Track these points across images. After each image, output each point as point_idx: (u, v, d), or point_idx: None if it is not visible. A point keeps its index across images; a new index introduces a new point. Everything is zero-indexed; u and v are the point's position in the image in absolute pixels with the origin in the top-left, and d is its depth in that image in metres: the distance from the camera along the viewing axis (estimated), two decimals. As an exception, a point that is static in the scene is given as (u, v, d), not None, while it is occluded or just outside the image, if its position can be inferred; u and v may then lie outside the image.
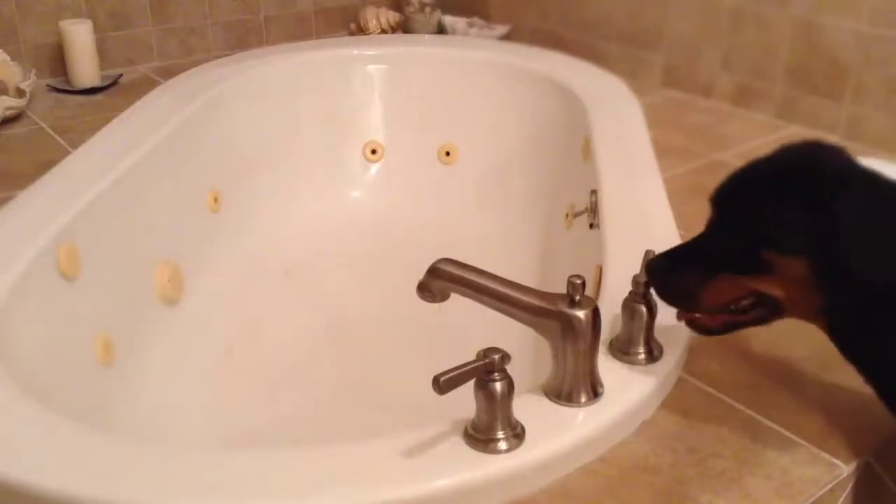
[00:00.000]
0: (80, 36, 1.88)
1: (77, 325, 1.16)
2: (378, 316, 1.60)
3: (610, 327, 0.91)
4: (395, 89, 1.91)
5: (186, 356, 1.40)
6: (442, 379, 0.70)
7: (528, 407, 0.80)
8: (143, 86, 1.86)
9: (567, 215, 1.56)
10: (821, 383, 0.92)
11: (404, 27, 2.27)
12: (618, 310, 0.89)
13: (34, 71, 1.86)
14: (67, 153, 1.48)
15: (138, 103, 1.67)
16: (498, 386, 0.75)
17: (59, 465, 0.75)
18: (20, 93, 1.74)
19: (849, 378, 0.81)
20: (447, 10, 2.29)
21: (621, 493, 0.77)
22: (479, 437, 0.77)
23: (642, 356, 0.88)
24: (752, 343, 0.98)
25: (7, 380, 0.88)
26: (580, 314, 0.78)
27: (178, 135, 1.55)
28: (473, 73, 1.89)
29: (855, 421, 0.86)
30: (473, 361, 0.73)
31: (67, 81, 1.91)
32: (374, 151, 1.91)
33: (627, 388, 0.85)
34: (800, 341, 0.95)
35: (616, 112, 1.62)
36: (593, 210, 1.32)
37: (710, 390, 0.91)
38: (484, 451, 0.76)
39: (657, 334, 0.90)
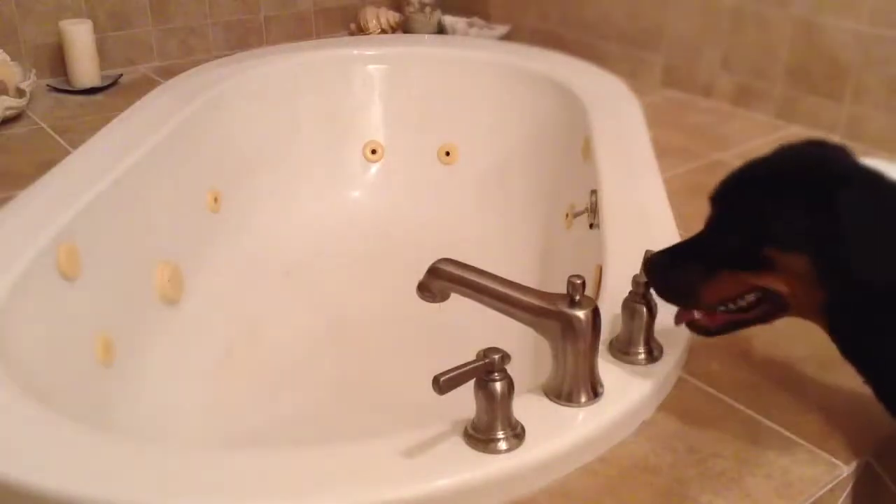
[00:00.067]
0: (80, 36, 1.88)
1: (77, 325, 1.16)
2: (378, 316, 1.60)
3: (610, 327, 0.91)
4: (395, 89, 1.91)
5: (186, 356, 1.40)
6: (442, 379, 0.70)
7: (528, 407, 0.80)
8: (143, 86, 1.86)
9: (567, 215, 1.56)
10: (821, 383, 0.92)
11: (404, 27, 2.27)
12: (618, 310, 0.89)
13: (34, 71, 1.86)
14: (67, 153, 1.48)
15: (138, 103, 1.67)
16: (498, 386, 0.75)
17: (59, 465, 0.75)
18: (20, 93, 1.74)
19: (849, 378, 0.81)
20: (447, 10, 2.29)
21: (621, 493, 0.77)
22: (479, 437, 0.77)
23: (642, 356, 0.88)
24: (752, 343, 0.98)
25: (7, 380, 0.89)
26: (580, 314, 0.78)
27: (178, 135, 1.55)
28: (473, 73, 1.89)
29: (855, 421, 0.86)
30: (473, 361, 0.73)
31: (67, 81, 1.91)
32: (374, 151, 1.91)
33: (627, 388, 0.85)
34: (800, 341, 0.95)
35: (616, 112, 1.62)
36: (593, 210, 1.32)
37: (710, 390, 0.91)
38: (484, 451, 0.76)
39: (657, 334, 0.90)
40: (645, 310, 0.87)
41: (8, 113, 1.68)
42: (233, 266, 1.62)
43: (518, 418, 0.78)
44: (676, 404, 0.88)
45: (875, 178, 0.74)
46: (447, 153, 1.89)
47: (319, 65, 1.90)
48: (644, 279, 0.86)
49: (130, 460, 0.77)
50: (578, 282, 0.77)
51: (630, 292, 0.88)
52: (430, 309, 0.90)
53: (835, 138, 1.55)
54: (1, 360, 0.92)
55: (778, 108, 1.73)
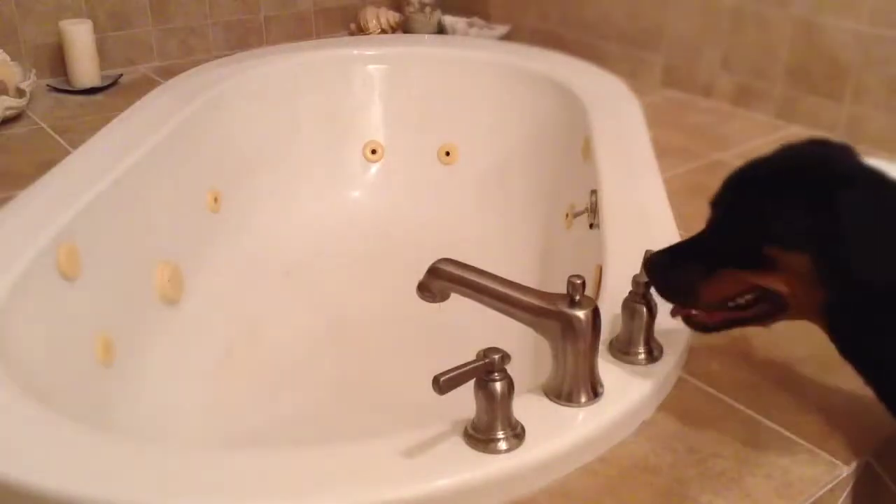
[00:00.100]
0: (80, 36, 1.88)
1: (77, 325, 1.16)
2: (378, 316, 1.60)
3: (610, 327, 0.91)
4: (395, 89, 1.91)
5: (186, 356, 1.40)
6: (442, 379, 0.70)
7: (528, 407, 0.80)
8: (143, 86, 1.86)
9: (567, 215, 1.56)
10: (821, 383, 0.92)
11: (404, 27, 2.27)
12: (618, 310, 0.89)
13: (34, 71, 1.86)
14: (67, 153, 1.48)
15: (138, 103, 1.67)
16: (498, 386, 0.75)
17: (59, 465, 0.75)
18: (20, 93, 1.74)
19: (849, 378, 0.81)
20: (447, 10, 2.29)
21: (621, 493, 0.77)
22: (479, 437, 0.77)
23: (642, 356, 0.88)
24: (752, 343, 0.98)
25: (7, 380, 0.88)
26: (580, 314, 0.78)
27: (178, 135, 1.55)
28: (473, 73, 1.89)
29: (855, 421, 0.86)
30: (473, 361, 0.73)
31: (67, 81, 1.91)
32: (374, 151, 1.91)
33: (627, 388, 0.85)
34: (800, 342, 0.95)
35: (616, 112, 1.62)
36: (593, 210, 1.32)
37: (710, 390, 0.91)
38: (484, 451, 0.76)
39: (657, 334, 0.90)
40: (645, 310, 0.87)
41: (8, 113, 1.68)
42: (233, 266, 1.62)
43: (518, 418, 0.78)
44: (676, 404, 0.88)
45: (877, 177, 0.74)
46: (447, 153, 1.89)
47: (319, 65, 1.90)
48: (644, 279, 0.86)
49: (130, 460, 0.77)
50: (578, 282, 0.77)
51: (630, 292, 0.88)
52: (430, 309, 0.90)
53: (835, 138, 1.55)
54: (1, 360, 0.92)
55: (778, 108, 1.73)
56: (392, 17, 2.25)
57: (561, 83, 1.75)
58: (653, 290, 0.85)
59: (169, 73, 1.92)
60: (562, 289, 0.79)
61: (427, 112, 1.89)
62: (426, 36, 2.20)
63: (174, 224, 1.49)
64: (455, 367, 0.72)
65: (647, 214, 1.22)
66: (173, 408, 1.30)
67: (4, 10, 1.87)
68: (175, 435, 1.25)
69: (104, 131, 1.52)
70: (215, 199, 1.63)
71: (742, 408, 0.88)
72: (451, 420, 0.79)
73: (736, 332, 0.96)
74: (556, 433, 0.79)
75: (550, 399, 0.82)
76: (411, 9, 2.24)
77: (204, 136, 1.64)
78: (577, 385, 0.81)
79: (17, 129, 1.67)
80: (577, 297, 0.78)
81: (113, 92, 1.90)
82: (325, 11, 2.32)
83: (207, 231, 1.60)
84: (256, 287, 1.63)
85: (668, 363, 0.89)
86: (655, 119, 1.61)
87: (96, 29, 1.93)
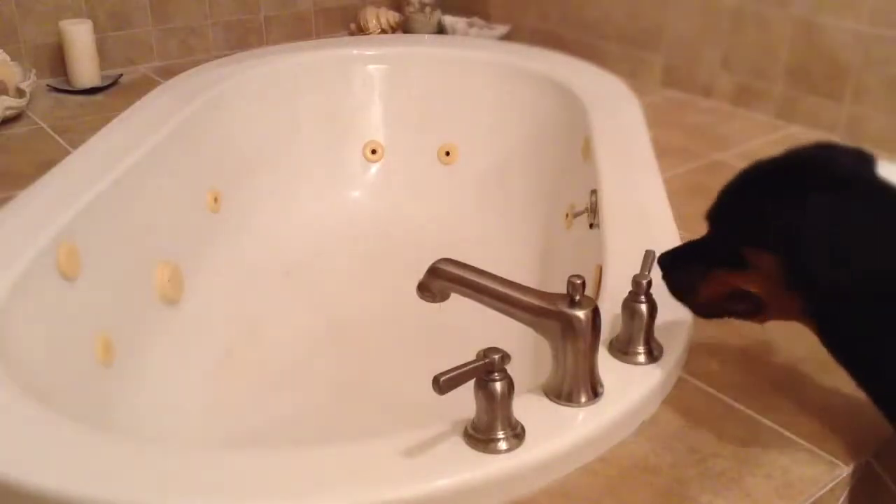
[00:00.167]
0: (80, 36, 1.88)
1: (77, 325, 1.16)
2: (378, 316, 1.60)
3: (610, 327, 0.91)
4: (395, 89, 1.91)
5: (186, 356, 1.40)
6: (442, 379, 0.70)
7: (528, 407, 0.80)
8: (143, 86, 1.86)
9: (567, 215, 1.56)
10: (821, 383, 0.92)
11: (404, 27, 2.27)
12: (618, 310, 0.89)
13: (34, 71, 1.86)
14: (67, 153, 1.48)
15: (138, 103, 1.67)
16: (498, 386, 0.75)
17: (59, 465, 0.75)
18: (20, 93, 1.74)
19: (848, 378, 0.81)
20: (447, 10, 2.29)
21: (621, 493, 0.77)
22: (479, 437, 0.77)
23: (642, 356, 0.88)
24: (751, 343, 0.98)
25: (7, 380, 0.88)
26: (580, 314, 0.78)
27: (178, 135, 1.55)
28: (473, 73, 1.89)
29: (855, 421, 0.86)
30: (473, 361, 0.73)
31: (67, 81, 1.91)
32: (374, 151, 1.91)
33: (627, 388, 0.85)
34: (799, 342, 0.95)
35: (616, 112, 1.62)
36: (593, 210, 1.32)
37: (710, 390, 0.91)
38: (484, 451, 0.76)
39: (657, 334, 0.90)
40: (645, 310, 0.87)
41: (8, 113, 1.68)
42: (233, 266, 1.62)
43: (518, 418, 0.78)
44: (676, 404, 0.88)
45: (879, 184, 0.73)
46: (447, 153, 1.89)
47: (319, 65, 1.90)
48: (644, 279, 0.86)
49: (130, 460, 0.77)
50: (578, 282, 0.77)
51: (630, 292, 0.88)
52: (430, 309, 0.90)
53: (835, 138, 1.55)
54: (1, 360, 0.92)
55: (778, 108, 1.73)
56: (392, 17, 2.25)
57: (561, 83, 1.75)
58: (652, 290, 0.86)
59: (169, 73, 1.92)
60: (562, 289, 0.79)
61: (427, 112, 1.89)
62: (426, 36, 2.20)
63: (174, 224, 1.49)
64: (455, 367, 0.72)
65: (647, 214, 1.22)
66: (173, 408, 1.30)
67: (4, 10, 1.87)
68: (175, 435, 1.25)
69: (104, 131, 1.52)
70: (215, 200, 1.63)
71: (742, 407, 0.88)
72: (451, 420, 0.79)
73: (736, 332, 0.97)
74: (556, 433, 0.79)
75: (550, 399, 0.82)
76: (411, 9, 2.24)
77: (204, 136, 1.64)
78: (577, 385, 0.81)
79: (17, 129, 1.67)
80: (577, 297, 0.78)
81: (113, 92, 1.90)
82: (325, 11, 2.32)
83: (207, 231, 1.60)
84: (256, 287, 1.63)
85: (668, 363, 0.89)
86: (655, 119, 1.61)
87: (96, 29, 1.93)
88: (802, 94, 1.68)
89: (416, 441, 0.77)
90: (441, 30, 2.25)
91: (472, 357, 0.74)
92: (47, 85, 1.90)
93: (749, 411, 0.87)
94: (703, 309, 0.85)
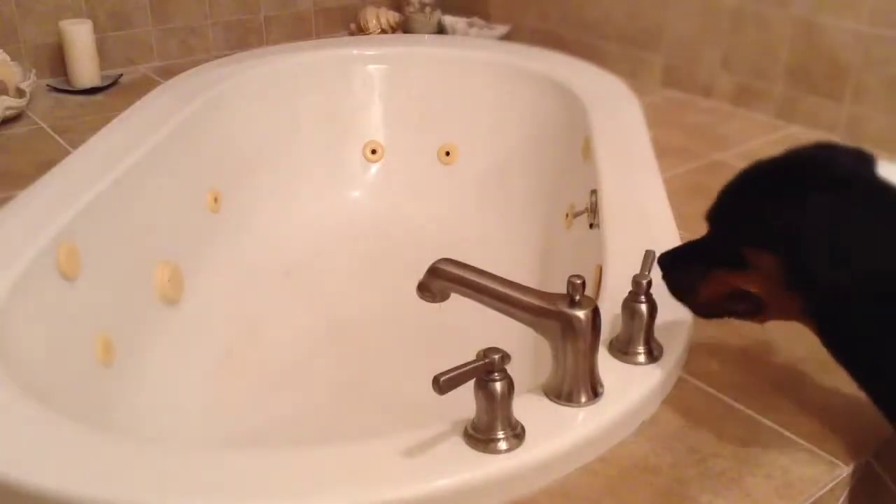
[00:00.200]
0: (80, 36, 1.88)
1: (77, 325, 1.16)
2: (378, 316, 1.60)
3: (610, 327, 0.91)
4: (395, 89, 1.91)
5: (186, 356, 1.40)
6: (442, 379, 0.70)
7: (528, 407, 0.80)
8: (143, 86, 1.86)
9: (567, 215, 1.56)
10: (821, 383, 0.92)
11: (404, 27, 2.27)
12: (618, 310, 0.89)
13: (34, 71, 1.86)
14: (67, 153, 1.48)
15: (138, 103, 1.67)
16: (498, 386, 0.75)
17: (59, 465, 0.75)
18: (20, 93, 1.74)
19: (848, 378, 0.81)
20: (447, 10, 2.29)
21: (621, 493, 0.77)
22: (479, 437, 0.77)
23: (642, 356, 0.88)
24: (752, 343, 0.98)
25: (7, 380, 0.88)
26: (580, 314, 0.78)
27: (178, 135, 1.55)
28: (473, 73, 1.89)
29: (855, 421, 0.86)
30: (473, 361, 0.73)
31: (67, 81, 1.91)
32: (374, 151, 1.91)
33: (627, 388, 0.85)
34: (799, 342, 0.95)
35: (616, 112, 1.62)
36: (593, 210, 1.32)
37: (710, 390, 0.91)
38: (484, 451, 0.76)
39: (657, 334, 0.90)
40: (645, 310, 0.87)
41: (8, 113, 1.68)
42: (233, 266, 1.62)
43: (518, 418, 0.78)
44: (676, 404, 0.88)
45: (879, 185, 0.73)
46: (447, 153, 1.89)
47: (319, 65, 1.90)
48: (644, 279, 0.86)
49: (130, 460, 0.77)
50: (578, 282, 0.77)
51: (630, 292, 0.88)
52: (430, 309, 0.90)
53: (835, 138, 1.55)
54: (1, 360, 0.92)
55: (778, 108, 1.73)
56: (392, 17, 2.25)
57: (561, 83, 1.75)
58: (652, 290, 0.86)
59: (169, 73, 1.92)
60: (562, 289, 0.79)
61: (427, 112, 1.89)
62: (426, 36, 2.20)
63: (174, 224, 1.49)
64: (455, 367, 0.72)
65: (647, 214, 1.22)
66: (173, 408, 1.30)
67: (4, 10, 1.87)
68: (175, 435, 1.25)
69: (104, 131, 1.52)
70: (215, 199, 1.63)
71: (742, 407, 0.88)
72: (451, 420, 0.79)
73: (736, 332, 0.97)
74: (556, 433, 0.79)
75: (550, 399, 0.82)
76: (411, 9, 2.24)
77: (204, 136, 1.64)
78: (577, 385, 0.81)
79: (17, 129, 1.67)
80: (577, 297, 0.78)
81: (113, 92, 1.90)
82: (325, 11, 2.32)
83: (207, 231, 1.60)
84: (256, 287, 1.63)
85: (668, 363, 0.89)
86: (655, 119, 1.61)
87: (96, 29, 1.93)
88: (802, 94, 1.68)
89: (416, 441, 0.77)
90: (441, 30, 2.25)
91: (472, 357, 0.74)
92: (47, 85, 1.90)
93: (749, 411, 0.87)
94: (703, 309, 0.85)
